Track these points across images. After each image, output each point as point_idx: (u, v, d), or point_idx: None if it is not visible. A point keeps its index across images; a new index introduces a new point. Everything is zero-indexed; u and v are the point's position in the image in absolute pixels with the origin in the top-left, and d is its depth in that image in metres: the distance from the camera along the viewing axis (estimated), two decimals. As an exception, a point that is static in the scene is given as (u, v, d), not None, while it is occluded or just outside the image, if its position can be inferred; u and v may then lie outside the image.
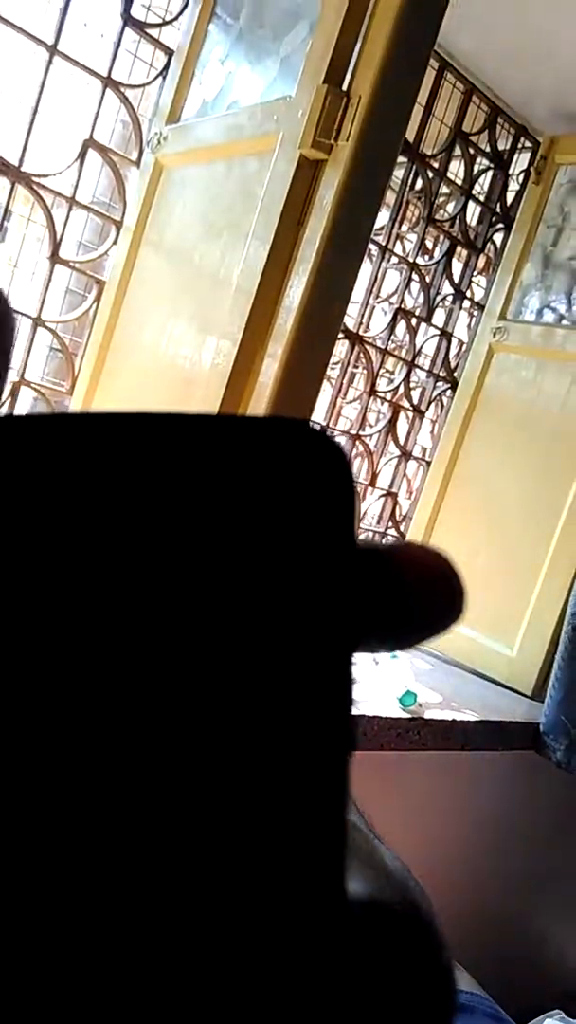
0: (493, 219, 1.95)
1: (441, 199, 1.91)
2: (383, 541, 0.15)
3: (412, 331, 1.90)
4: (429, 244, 1.95)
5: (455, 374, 1.99)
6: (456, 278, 1.95)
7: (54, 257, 1.35)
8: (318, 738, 0.12)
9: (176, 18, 1.38)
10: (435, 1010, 0.13)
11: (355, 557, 0.13)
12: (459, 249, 1.93)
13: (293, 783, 0.12)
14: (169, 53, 1.38)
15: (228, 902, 0.11)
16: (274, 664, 0.12)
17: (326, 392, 1.79)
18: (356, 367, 1.91)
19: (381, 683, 1.34)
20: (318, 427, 0.13)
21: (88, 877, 0.10)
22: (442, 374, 1.98)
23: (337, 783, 0.12)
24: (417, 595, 0.15)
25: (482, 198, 1.93)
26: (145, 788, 0.11)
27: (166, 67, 1.39)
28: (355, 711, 0.13)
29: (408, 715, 1.24)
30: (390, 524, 2.00)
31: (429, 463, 1.98)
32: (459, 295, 1.97)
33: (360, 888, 0.13)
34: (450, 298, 1.99)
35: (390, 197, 1.76)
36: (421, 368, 1.96)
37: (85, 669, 0.11)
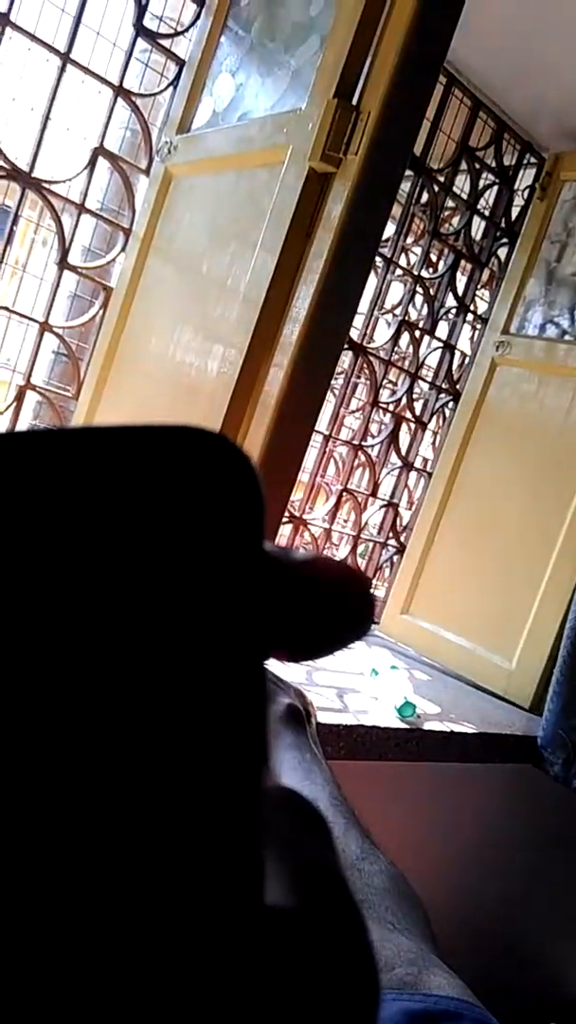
0: (498, 234, 1.97)
1: (446, 213, 1.92)
2: (295, 552, 0.15)
3: (415, 343, 1.91)
4: (434, 257, 1.97)
5: (457, 387, 1.99)
6: (460, 291, 1.96)
7: (62, 263, 1.36)
8: (226, 746, 0.12)
9: (188, 29, 1.39)
10: (357, 1014, 0.13)
11: (262, 566, 0.13)
12: (463, 263, 1.94)
13: (201, 789, 0.11)
14: (180, 63, 1.39)
15: (140, 914, 0.11)
16: (180, 674, 0.12)
17: (329, 402, 1.80)
18: (359, 378, 1.92)
19: (380, 693, 1.34)
20: (223, 435, 0.13)
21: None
22: (444, 386, 1.99)
23: (246, 789, 0.12)
24: (325, 606, 0.15)
25: (487, 213, 1.94)
26: (45, 798, 0.11)
27: (177, 77, 1.40)
28: (263, 720, 0.13)
29: (406, 726, 1.24)
30: (391, 534, 2.00)
31: (430, 474, 1.99)
32: (463, 308, 1.98)
33: (278, 891, 0.13)
34: (454, 311, 2.00)
35: (396, 210, 1.77)
36: (424, 380, 1.97)
37: None
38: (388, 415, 1.93)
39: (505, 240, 1.98)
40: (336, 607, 0.15)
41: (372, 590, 0.16)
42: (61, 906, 0.10)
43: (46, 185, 1.32)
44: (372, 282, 1.83)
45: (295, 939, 0.12)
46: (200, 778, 0.11)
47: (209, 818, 0.11)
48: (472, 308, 2.00)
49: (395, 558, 2.01)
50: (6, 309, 1.36)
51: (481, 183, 1.89)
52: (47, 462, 0.12)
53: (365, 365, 1.82)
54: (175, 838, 0.11)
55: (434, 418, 2.02)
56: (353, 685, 1.37)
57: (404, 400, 1.92)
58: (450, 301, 1.97)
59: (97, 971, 0.10)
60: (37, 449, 0.12)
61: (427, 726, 1.28)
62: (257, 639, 0.13)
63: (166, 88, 1.41)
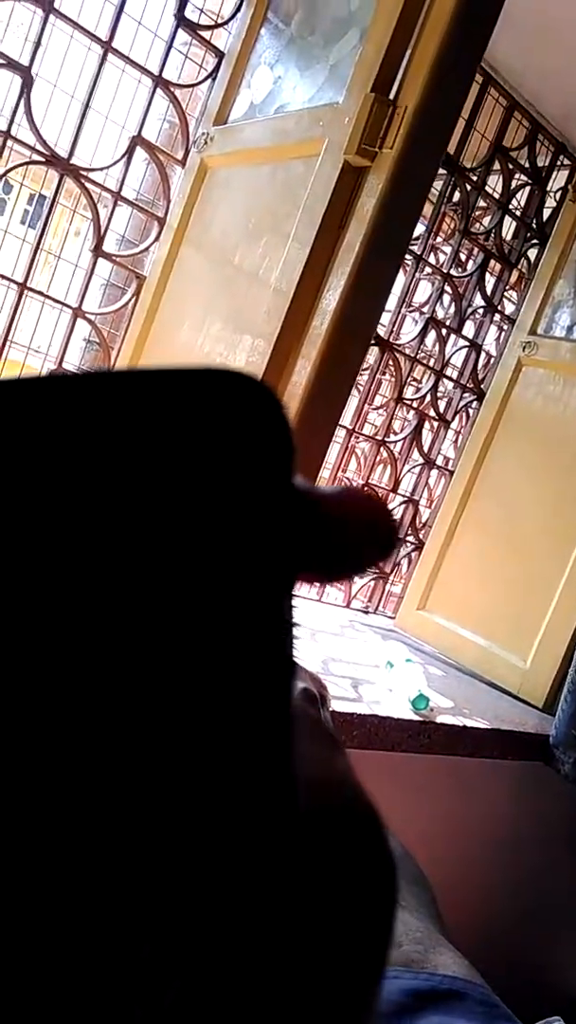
0: (528, 234, 1.97)
1: (478, 212, 1.92)
2: (324, 486, 0.16)
3: (442, 341, 1.91)
4: (463, 256, 1.97)
5: (482, 386, 2.00)
6: (488, 291, 1.97)
7: (97, 250, 1.38)
8: (258, 667, 0.13)
9: (228, 21, 1.40)
10: (378, 904, 0.14)
11: (291, 496, 0.14)
12: (493, 263, 1.94)
13: (236, 705, 0.12)
14: (219, 55, 1.41)
15: (184, 810, 0.11)
16: (210, 602, 0.12)
17: (353, 397, 1.81)
18: (384, 374, 1.92)
19: (394, 685, 1.35)
20: (252, 376, 0.14)
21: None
22: (469, 385, 1.99)
23: (279, 708, 0.13)
24: (351, 532, 0.16)
25: (518, 213, 1.94)
26: (90, 712, 0.11)
27: (216, 69, 1.41)
28: (290, 641, 0.13)
29: (419, 718, 1.25)
30: (410, 531, 2.01)
31: (452, 472, 1.99)
32: (490, 308, 1.98)
33: (307, 794, 0.14)
34: (481, 311, 2.00)
35: (427, 209, 1.78)
36: (449, 378, 1.97)
37: (15, 622, 0.11)
38: (412, 412, 1.94)
39: (535, 241, 1.97)
40: (361, 533, 0.16)
41: (394, 519, 0.17)
42: (104, 818, 0.11)
43: (84, 172, 1.34)
44: (401, 279, 1.83)
45: (323, 838, 0.14)
46: (234, 696, 0.12)
47: (247, 727, 0.12)
48: (500, 308, 2.00)
49: (413, 554, 2.02)
50: (41, 294, 1.38)
51: (513, 183, 1.89)
52: (81, 402, 0.12)
53: (391, 361, 1.83)
54: (216, 750, 0.12)
55: (457, 417, 2.02)
56: (368, 676, 1.38)
57: (428, 398, 1.92)
58: (478, 300, 1.97)
59: (148, 865, 0.11)
60: (73, 390, 0.13)
61: (440, 720, 1.29)
62: (285, 565, 0.13)
63: (205, 79, 1.42)
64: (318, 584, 0.16)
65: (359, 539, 0.16)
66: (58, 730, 0.11)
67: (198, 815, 0.12)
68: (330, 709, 0.74)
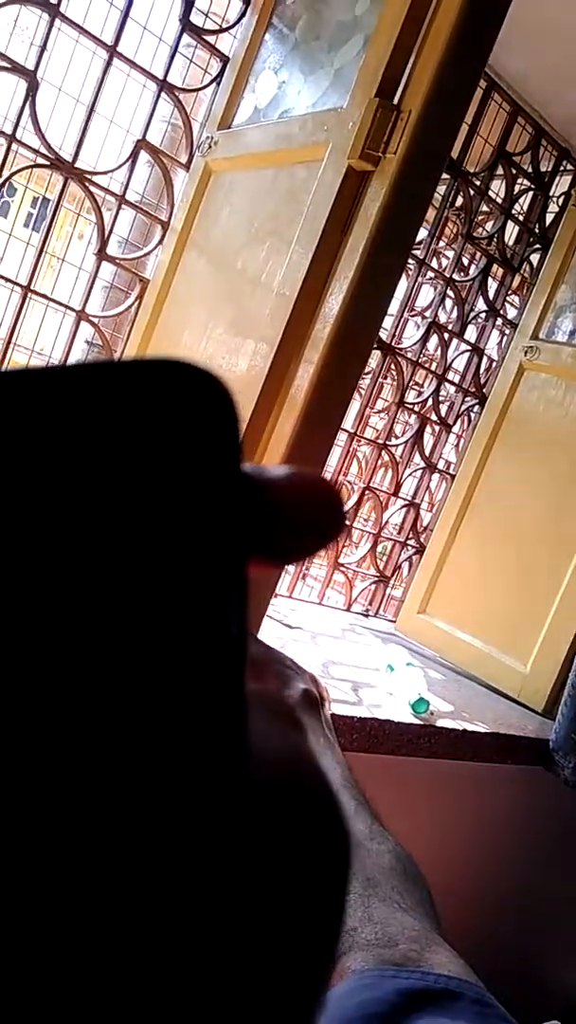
0: (531, 239, 1.97)
1: (480, 217, 1.93)
2: (272, 468, 0.16)
3: (444, 345, 1.91)
4: (465, 261, 1.97)
5: (484, 390, 2.00)
6: (491, 296, 1.97)
7: (101, 253, 1.38)
8: (208, 647, 0.13)
9: (233, 26, 1.41)
10: (329, 872, 0.14)
11: (238, 481, 0.14)
12: (495, 267, 1.95)
13: (187, 683, 0.12)
14: (224, 60, 1.41)
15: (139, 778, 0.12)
16: (157, 585, 0.12)
17: (355, 401, 1.81)
18: (386, 378, 1.93)
19: (395, 689, 1.35)
20: (195, 363, 0.14)
21: None
22: (471, 389, 2.00)
23: (229, 684, 0.13)
24: (299, 515, 0.16)
25: (521, 218, 1.95)
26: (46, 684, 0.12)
27: (220, 73, 1.42)
28: (243, 622, 0.14)
29: (420, 722, 1.25)
30: (411, 534, 2.01)
31: (453, 476, 2.00)
32: (492, 313, 1.99)
33: (258, 763, 0.14)
34: (483, 315, 2.00)
35: (430, 213, 1.78)
36: (451, 383, 1.97)
37: None
38: (413, 416, 1.94)
39: (538, 246, 1.98)
40: (309, 516, 0.16)
41: (341, 500, 0.17)
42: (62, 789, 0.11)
43: (88, 176, 1.35)
44: (403, 283, 1.84)
45: (276, 807, 0.14)
46: (186, 674, 0.12)
47: (196, 707, 0.12)
48: (502, 313, 2.01)
49: (414, 558, 2.02)
50: (44, 297, 1.39)
51: (516, 188, 1.90)
52: (23, 395, 0.13)
53: (392, 365, 1.83)
54: (166, 726, 0.12)
55: (459, 421, 2.02)
56: (369, 680, 1.38)
57: (430, 402, 1.93)
58: (480, 305, 1.97)
59: (97, 836, 0.11)
60: (16, 385, 0.13)
61: (440, 723, 1.29)
62: (233, 548, 0.14)
63: (209, 84, 1.43)
64: (270, 567, 0.16)
65: (306, 522, 0.16)
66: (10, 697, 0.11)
67: (146, 777, 0.12)
68: (329, 711, 0.74)
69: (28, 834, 0.11)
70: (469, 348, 1.99)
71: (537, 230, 1.97)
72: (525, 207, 1.96)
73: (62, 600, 0.12)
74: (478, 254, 1.94)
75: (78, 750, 0.12)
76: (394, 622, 1.99)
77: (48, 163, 1.32)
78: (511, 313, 2.04)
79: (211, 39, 1.41)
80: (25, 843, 0.11)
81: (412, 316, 1.98)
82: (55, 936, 0.11)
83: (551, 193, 1.95)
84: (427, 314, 1.89)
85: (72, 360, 1.43)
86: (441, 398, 1.95)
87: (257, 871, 0.13)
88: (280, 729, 0.16)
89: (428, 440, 1.97)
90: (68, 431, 0.13)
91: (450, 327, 1.93)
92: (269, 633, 1.42)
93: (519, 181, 1.90)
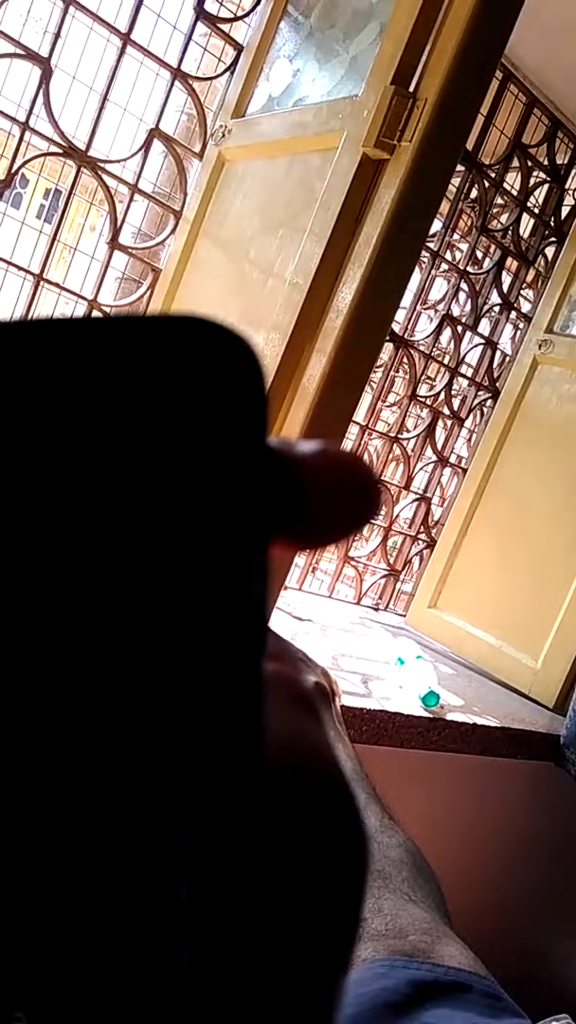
0: (546, 232, 1.95)
1: (495, 209, 1.92)
2: (301, 443, 0.15)
3: (457, 339, 1.90)
4: (480, 254, 1.96)
5: (497, 384, 1.99)
6: (505, 289, 1.96)
7: (113, 243, 1.38)
8: (227, 626, 0.12)
9: (248, 14, 1.40)
10: (348, 868, 0.14)
11: (263, 456, 0.13)
12: (510, 260, 1.93)
13: (206, 664, 0.12)
14: (238, 48, 1.41)
15: (155, 768, 0.11)
16: (180, 561, 0.12)
17: (366, 394, 1.81)
18: (398, 371, 1.92)
19: (405, 682, 1.34)
20: (225, 324, 0.13)
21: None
22: (484, 383, 1.98)
23: (248, 665, 0.12)
24: (329, 495, 0.15)
25: (536, 211, 1.93)
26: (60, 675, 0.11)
27: (235, 62, 1.41)
28: (263, 603, 0.13)
29: (430, 715, 1.25)
30: (422, 528, 2.00)
31: (465, 471, 1.99)
32: (506, 306, 1.97)
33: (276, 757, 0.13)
34: (497, 308, 1.99)
35: (444, 205, 1.77)
36: (463, 376, 1.96)
37: None
38: (426, 409, 1.93)
39: (553, 239, 1.96)
40: (338, 498, 0.15)
41: (376, 482, 0.15)
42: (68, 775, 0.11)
43: (101, 164, 1.34)
44: (416, 276, 1.83)
45: (292, 793, 0.13)
46: (204, 654, 0.12)
47: (213, 690, 0.12)
48: (516, 306, 1.99)
49: (425, 552, 2.02)
50: (57, 286, 1.39)
51: (532, 180, 1.88)
52: (50, 350, 0.12)
53: (405, 358, 1.82)
54: (185, 708, 0.12)
55: (471, 415, 2.01)
56: (379, 673, 1.38)
57: (442, 395, 1.91)
58: (494, 298, 1.96)
59: (111, 813, 0.11)
60: (44, 337, 0.12)
61: (450, 717, 1.28)
62: (253, 528, 0.13)
63: (223, 72, 1.42)
64: (295, 549, 0.15)
65: (335, 504, 0.15)
66: (24, 680, 0.11)
67: (164, 759, 0.11)
68: (340, 704, 0.74)
69: (36, 817, 0.11)
70: (482, 341, 1.97)
71: (552, 223, 1.95)
72: (540, 200, 1.94)
73: (78, 561, 0.11)
74: (492, 247, 1.93)
75: (93, 719, 0.11)
76: (404, 616, 1.99)
77: (61, 151, 1.31)
78: (525, 307, 2.03)
79: (225, 27, 1.40)
80: (34, 826, 0.11)
81: (425, 309, 1.97)
82: (67, 924, 0.11)
83: (567, 186, 1.93)
84: (440, 307, 1.88)
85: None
86: (454, 392, 1.93)
87: (271, 859, 0.12)
88: (297, 714, 0.16)
89: (440, 434, 1.96)
90: (86, 385, 0.12)
91: (463, 320, 1.92)
92: (279, 625, 1.41)
93: (535, 173, 1.89)
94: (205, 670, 0.12)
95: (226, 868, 0.12)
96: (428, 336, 1.85)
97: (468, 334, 1.93)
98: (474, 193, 1.82)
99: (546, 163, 1.88)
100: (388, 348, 1.81)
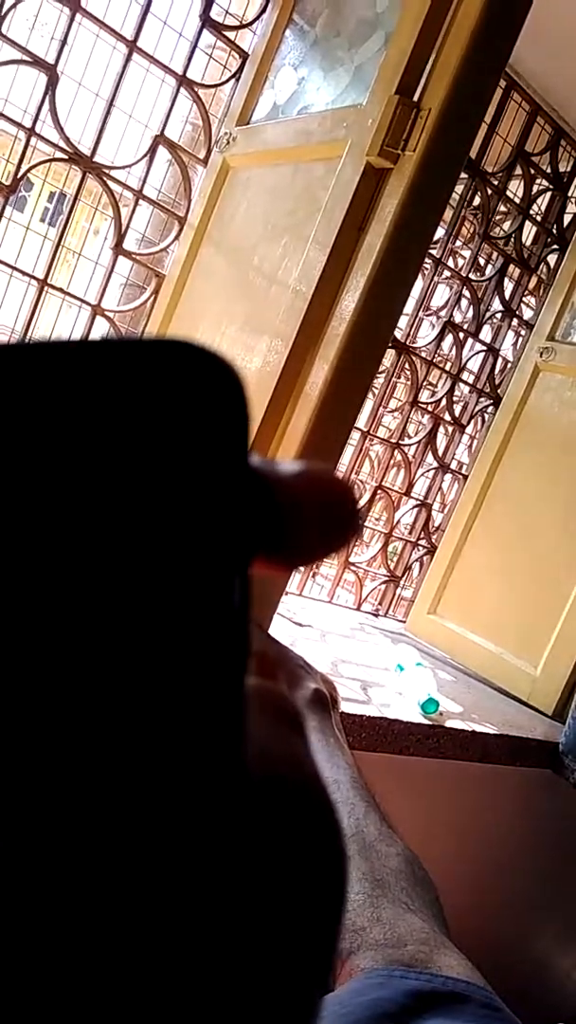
0: (548, 240, 1.96)
1: (498, 217, 1.92)
2: (283, 464, 0.15)
3: (459, 345, 1.91)
4: (482, 261, 1.96)
5: (498, 391, 1.99)
6: (507, 296, 1.96)
7: (118, 248, 1.39)
8: (210, 642, 0.12)
9: (253, 22, 1.40)
10: (326, 878, 0.14)
11: (245, 476, 0.13)
12: (512, 267, 1.94)
13: (189, 680, 0.12)
14: (244, 56, 1.41)
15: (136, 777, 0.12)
16: (162, 580, 0.12)
17: (368, 399, 1.81)
18: (400, 377, 1.92)
19: (404, 689, 1.35)
20: (209, 348, 0.13)
21: None
22: (485, 390, 1.99)
23: (231, 680, 0.13)
24: (303, 519, 0.15)
25: (539, 218, 1.94)
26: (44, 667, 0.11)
27: (240, 69, 1.41)
28: (245, 621, 0.13)
29: (429, 722, 1.25)
30: (422, 534, 2.00)
31: (466, 477, 1.99)
32: (508, 313, 1.98)
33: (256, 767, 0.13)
34: (499, 315, 1.99)
35: (447, 212, 1.78)
36: (465, 383, 1.97)
37: None
38: (427, 416, 1.93)
39: (556, 246, 1.97)
40: (319, 517, 0.15)
41: (356, 502, 0.16)
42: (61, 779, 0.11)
43: (106, 170, 1.35)
44: (419, 282, 1.83)
45: (272, 804, 0.13)
46: (187, 670, 0.12)
47: (194, 705, 0.12)
48: (518, 313, 2.00)
49: (425, 558, 2.02)
50: (60, 291, 1.39)
51: (534, 188, 1.89)
52: (39, 375, 0.12)
53: (407, 364, 1.83)
54: (167, 721, 0.12)
55: (473, 421, 2.02)
56: (378, 679, 1.38)
57: (444, 402, 1.92)
58: (496, 305, 1.96)
59: (100, 828, 0.11)
60: (25, 360, 0.12)
61: (449, 724, 1.29)
62: (235, 547, 0.13)
63: (228, 80, 1.43)
64: (278, 569, 0.15)
65: (317, 523, 0.15)
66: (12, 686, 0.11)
67: (144, 769, 0.12)
68: (339, 710, 0.74)
69: (24, 831, 0.11)
70: (484, 348, 1.98)
71: (555, 231, 1.96)
72: (543, 207, 1.95)
73: (62, 578, 0.12)
74: (495, 254, 1.93)
75: (75, 734, 0.11)
76: (404, 622, 1.99)
77: (66, 157, 1.32)
78: (527, 314, 2.03)
79: (231, 35, 1.41)
80: (20, 840, 0.11)
81: (427, 315, 1.97)
82: (53, 934, 0.11)
83: (569, 194, 1.94)
84: (442, 313, 1.89)
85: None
86: (455, 398, 1.94)
87: (251, 871, 0.13)
88: (281, 730, 0.16)
89: (441, 440, 1.97)
90: (71, 409, 0.12)
91: (465, 327, 1.92)
92: (279, 631, 1.42)
93: (537, 181, 1.89)
94: (186, 687, 0.12)
95: (202, 880, 0.12)
96: (430, 342, 1.85)
97: (470, 341, 1.93)
98: (477, 200, 1.83)
99: (549, 171, 1.89)
100: (390, 354, 1.81)
